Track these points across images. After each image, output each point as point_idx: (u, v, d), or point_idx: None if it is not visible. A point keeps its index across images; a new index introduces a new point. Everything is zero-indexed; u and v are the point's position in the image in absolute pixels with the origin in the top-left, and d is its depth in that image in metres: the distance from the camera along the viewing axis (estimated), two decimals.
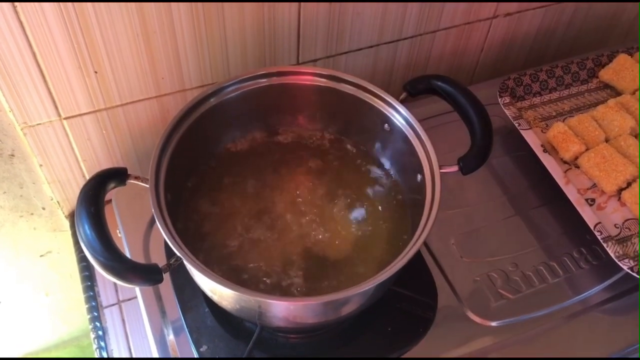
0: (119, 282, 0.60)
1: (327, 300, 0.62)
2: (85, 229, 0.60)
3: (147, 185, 0.66)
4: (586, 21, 1.14)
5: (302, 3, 0.85)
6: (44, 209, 0.98)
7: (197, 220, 0.76)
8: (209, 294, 0.69)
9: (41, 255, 1.08)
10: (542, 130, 0.94)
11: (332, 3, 0.87)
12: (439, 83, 0.75)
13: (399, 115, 0.75)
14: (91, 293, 0.92)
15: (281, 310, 0.66)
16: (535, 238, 0.87)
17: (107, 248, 0.59)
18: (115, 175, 0.66)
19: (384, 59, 1.01)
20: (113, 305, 0.91)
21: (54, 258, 1.09)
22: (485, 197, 0.91)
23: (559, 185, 0.86)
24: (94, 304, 0.91)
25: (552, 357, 0.78)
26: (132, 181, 0.67)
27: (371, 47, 0.97)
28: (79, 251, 0.98)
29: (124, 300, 0.91)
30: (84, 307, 0.91)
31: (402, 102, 0.76)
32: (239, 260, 0.73)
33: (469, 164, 0.71)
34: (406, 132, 0.74)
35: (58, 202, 0.97)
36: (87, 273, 0.94)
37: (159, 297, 0.82)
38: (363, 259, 0.74)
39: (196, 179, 0.79)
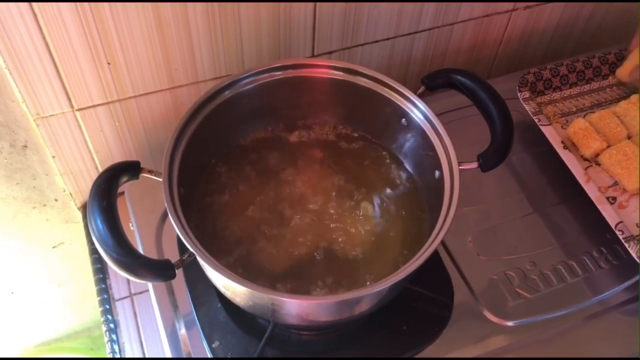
0: (131, 278, 0.59)
1: (341, 299, 0.61)
2: (98, 224, 0.59)
3: (160, 180, 0.65)
4: (607, 15, 1.12)
5: None
6: (56, 200, 0.98)
7: (210, 214, 0.75)
8: (222, 290, 0.68)
9: (54, 247, 1.07)
10: (562, 126, 0.92)
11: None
12: (459, 77, 0.73)
13: (417, 110, 0.74)
14: (103, 286, 0.92)
15: (295, 308, 0.64)
16: (554, 236, 0.86)
17: (119, 243, 0.58)
18: (128, 169, 0.65)
19: (401, 51, 0.99)
20: (125, 298, 0.90)
21: (67, 249, 1.09)
22: (503, 194, 0.90)
23: (579, 183, 0.85)
24: (105, 296, 0.90)
25: (570, 358, 0.76)
26: (145, 175, 0.66)
27: (388, 39, 0.96)
28: (91, 243, 0.97)
29: (135, 294, 0.91)
30: (95, 298, 0.91)
31: (420, 96, 0.74)
32: (253, 256, 0.72)
33: (489, 160, 0.69)
34: (424, 127, 0.73)
35: (70, 193, 0.96)
36: (99, 265, 0.94)
37: (170, 291, 0.81)
38: (379, 257, 0.72)
39: (210, 172, 0.78)
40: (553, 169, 0.91)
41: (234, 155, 0.80)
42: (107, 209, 0.59)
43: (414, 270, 0.61)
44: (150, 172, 0.66)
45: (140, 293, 0.91)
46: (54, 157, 0.88)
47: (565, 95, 0.97)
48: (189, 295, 0.79)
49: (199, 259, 0.61)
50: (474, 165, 0.69)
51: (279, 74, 0.76)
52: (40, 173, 0.92)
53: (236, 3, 0.79)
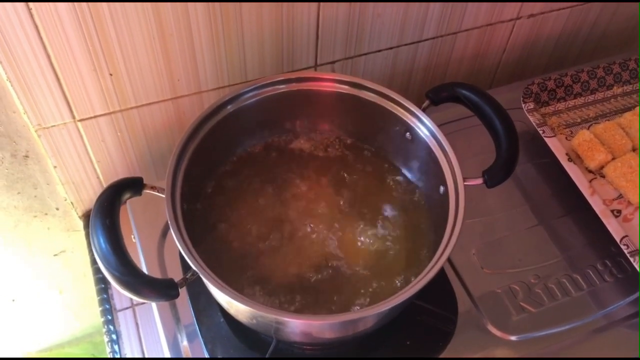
0: (134, 297, 0.58)
1: (346, 319, 0.61)
2: (100, 242, 0.58)
3: (163, 196, 0.65)
4: (611, 22, 1.11)
5: (321, 3, 0.83)
6: (57, 209, 0.97)
7: (213, 229, 0.74)
8: (225, 306, 0.68)
9: (55, 255, 1.07)
10: (566, 138, 0.92)
11: (352, 3, 0.85)
12: (464, 91, 0.72)
13: (422, 125, 0.73)
14: (105, 296, 0.91)
15: (299, 327, 0.64)
16: (559, 249, 0.85)
17: (122, 262, 0.57)
18: (131, 186, 0.64)
19: (404, 60, 0.99)
20: (127, 308, 0.90)
21: (68, 257, 1.09)
22: (507, 206, 0.89)
23: (583, 195, 0.84)
24: (107, 307, 0.90)
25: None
26: (147, 191, 0.66)
27: (391, 48, 0.95)
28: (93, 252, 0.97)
29: (137, 304, 0.90)
30: (96, 305, 0.91)
31: (424, 110, 0.74)
32: (256, 271, 0.71)
33: (494, 177, 0.69)
34: (429, 142, 0.72)
35: (72, 202, 0.96)
36: (100, 275, 0.93)
37: (173, 304, 0.80)
38: (382, 274, 0.72)
39: (213, 187, 0.78)
40: (557, 180, 0.91)
41: (237, 170, 0.80)
42: (110, 228, 0.59)
43: (419, 290, 0.60)
44: (153, 188, 0.66)
45: (142, 304, 0.90)
46: (55, 167, 0.87)
47: (569, 105, 0.97)
48: (192, 309, 0.78)
49: (202, 277, 0.60)
50: (479, 181, 0.69)
51: (282, 88, 0.76)
52: (42, 182, 0.91)
53: (239, 13, 0.78)
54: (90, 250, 0.97)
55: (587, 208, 0.84)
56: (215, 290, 0.61)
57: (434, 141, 0.72)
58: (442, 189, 0.71)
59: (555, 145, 0.87)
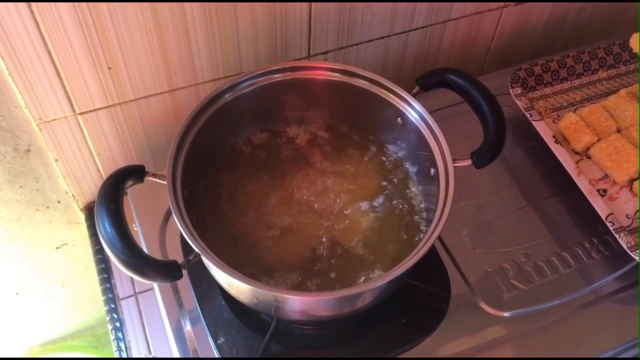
0: (139, 279, 0.61)
1: (342, 295, 0.63)
2: (106, 227, 0.60)
3: (165, 182, 0.67)
4: (597, 8, 1.14)
5: None
6: (59, 202, 0.99)
7: (213, 214, 0.77)
8: (226, 287, 0.70)
9: (57, 248, 1.09)
10: (553, 121, 0.94)
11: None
12: (452, 77, 0.74)
13: (413, 110, 0.75)
14: (108, 285, 0.93)
15: (297, 304, 0.67)
16: (547, 229, 0.87)
17: (128, 245, 0.60)
18: (133, 173, 0.67)
19: (395, 49, 1.01)
20: (130, 297, 0.92)
21: (70, 250, 1.11)
22: (497, 188, 0.91)
23: (570, 176, 0.86)
24: (110, 296, 0.92)
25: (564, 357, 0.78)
26: (149, 178, 0.68)
27: (382, 38, 0.97)
28: (95, 244, 0.99)
29: (140, 292, 0.92)
30: (99, 297, 0.93)
31: (415, 96, 0.76)
32: (256, 253, 0.74)
33: (482, 158, 0.71)
34: (419, 126, 0.75)
35: (73, 195, 0.98)
36: (103, 265, 0.95)
37: (175, 289, 0.83)
38: (377, 253, 0.74)
39: (212, 175, 0.80)
40: (545, 162, 0.93)
41: (235, 156, 0.82)
42: (114, 213, 0.61)
43: (411, 266, 0.63)
44: (154, 175, 0.68)
45: (145, 291, 0.92)
46: (56, 160, 0.89)
47: (556, 90, 0.99)
48: (194, 293, 0.80)
49: (204, 259, 0.63)
50: (468, 162, 0.71)
51: (277, 77, 0.78)
52: (43, 176, 0.93)
53: (233, 6, 0.81)
54: (92, 242, 0.99)
55: (574, 188, 0.86)
56: (217, 271, 0.63)
57: (424, 125, 0.74)
58: (432, 171, 0.73)
59: (542, 128, 0.90)
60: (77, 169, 0.93)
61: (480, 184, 0.92)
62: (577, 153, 0.92)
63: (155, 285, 0.84)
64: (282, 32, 0.88)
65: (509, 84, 0.95)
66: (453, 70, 0.75)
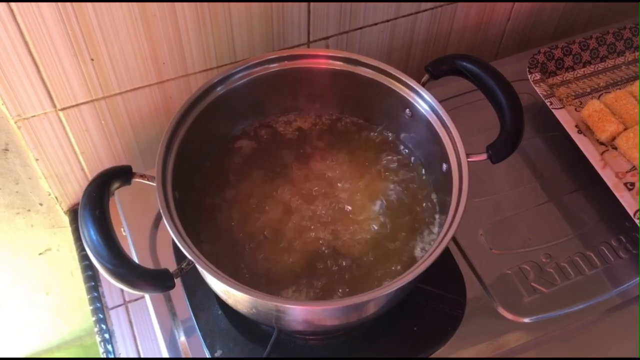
0: (128, 290, 0.60)
1: (347, 304, 0.63)
2: (91, 234, 0.60)
3: (154, 184, 0.66)
4: None
5: None
6: (41, 204, 0.99)
7: (207, 217, 0.76)
8: (223, 296, 0.70)
9: (40, 253, 1.09)
10: (575, 109, 0.94)
11: None
12: (465, 63, 0.74)
13: (422, 100, 0.75)
14: (95, 294, 0.93)
15: (300, 314, 0.66)
16: (570, 226, 0.87)
17: (114, 254, 0.59)
18: (119, 175, 0.66)
19: (402, 34, 1.00)
20: (119, 306, 0.92)
21: (54, 256, 1.11)
22: (515, 183, 0.91)
23: (594, 169, 0.86)
24: (98, 305, 0.92)
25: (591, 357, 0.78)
26: (137, 180, 0.67)
27: (388, 21, 0.97)
28: (81, 249, 0.98)
29: (130, 301, 0.92)
30: (86, 306, 0.92)
31: (424, 85, 0.75)
32: (254, 259, 0.73)
33: (499, 152, 0.70)
34: (430, 118, 0.74)
35: (56, 197, 0.97)
36: (90, 273, 0.95)
37: (168, 298, 0.82)
38: (385, 256, 0.74)
39: (205, 174, 0.80)
40: (567, 154, 0.92)
41: (230, 154, 0.81)
42: (99, 218, 0.60)
43: (423, 270, 0.63)
44: (142, 176, 0.67)
45: (135, 300, 0.92)
46: (37, 159, 0.89)
47: (578, 75, 0.98)
48: (188, 303, 0.80)
49: (198, 266, 0.62)
50: (483, 157, 0.70)
51: (274, 67, 0.77)
52: (23, 177, 0.93)
53: None
54: (78, 247, 0.99)
55: (598, 182, 0.85)
56: (213, 280, 0.63)
57: (434, 117, 0.74)
58: (444, 166, 0.72)
59: (563, 117, 0.89)
60: (59, 169, 0.93)
61: (497, 179, 0.91)
62: (602, 143, 0.91)
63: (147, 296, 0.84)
64: (278, 16, 0.88)
65: (527, 69, 0.94)
66: (465, 56, 0.75)
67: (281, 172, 0.80)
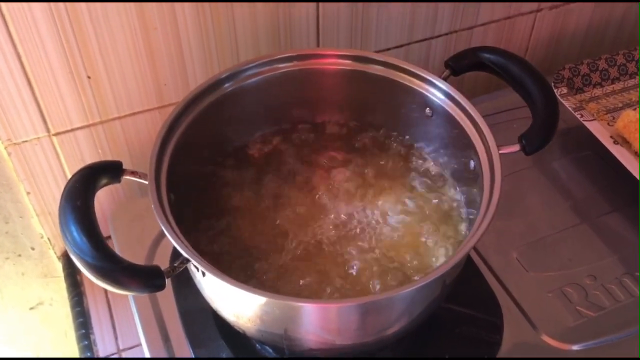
0: (112, 289, 0.53)
1: (367, 301, 0.57)
2: (70, 226, 0.54)
3: (146, 182, 0.62)
4: None
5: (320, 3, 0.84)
6: (33, 249, 0.94)
7: (210, 228, 0.72)
8: (231, 318, 0.63)
9: (31, 308, 1.02)
10: (608, 124, 0.89)
11: (354, 2, 0.86)
12: (488, 55, 0.71)
13: (443, 95, 0.71)
14: (86, 342, 0.86)
15: (313, 317, 0.59)
16: (612, 247, 0.81)
17: (96, 247, 0.53)
18: (108, 169, 0.61)
19: (416, 60, 0.98)
20: (112, 355, 0.85)
21: (46, 311, 1.04)
22: (546, 205, 0.86)
23: (632, 186, 0.81)
24: (89, 354, 0.85)
25: None
26: (128, 177, 0.62)
27: (401, 46, 0.95)
28: (75, 304, 0.92)
29: (124, 349, 0.86)
30: None
31: (445, 80, 0.72)
32: (261, 273, 0.67)
33: (533, 141, 0.65)
34: (452, 112, 0.70)
35: (49, 239, 0.92)
36: (81, 319, 0.89)
37: (166, 338, 0.75)
38: (410, 265, 0.68)
39: (207, 179, 0.76)
40: (601, 174, 0.89)
41: (234, 159, 0.78)
42: (81, 209, 0.55)
43: (450, 267, 0.56)
44: (134, 173, 0.62)
45: (130, 348, 0.86)
46: (28, 193, 0.85)
47: (607, 91, 0.95)
48: (190, 347, 0.73)
49: (193, 267, 0.56)
50: (516, 147, 0.65)
51: (282, 67, 0.74)
52: (14, 215, 0.88)
53: (229, 5, 0.79)
54: (70, 294, 0.93)
55: (635, 204, 0.82)
56: (213, 288, 0.56)
57: (458, 110, 0.69)
58: (472, 163, 0.68)
59: (597, 129, 0.84)
60: (52, 205, 0.88)
61: (528, 201, 0.87)
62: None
63: (142, 339, 0.77)
64: (286, 39, 0.86)
65: (552, 84, 0.90)
66: (488, 48, 0.72)
67: (289, 178, 0.77)
